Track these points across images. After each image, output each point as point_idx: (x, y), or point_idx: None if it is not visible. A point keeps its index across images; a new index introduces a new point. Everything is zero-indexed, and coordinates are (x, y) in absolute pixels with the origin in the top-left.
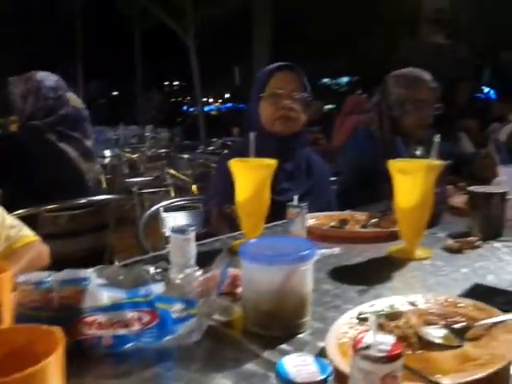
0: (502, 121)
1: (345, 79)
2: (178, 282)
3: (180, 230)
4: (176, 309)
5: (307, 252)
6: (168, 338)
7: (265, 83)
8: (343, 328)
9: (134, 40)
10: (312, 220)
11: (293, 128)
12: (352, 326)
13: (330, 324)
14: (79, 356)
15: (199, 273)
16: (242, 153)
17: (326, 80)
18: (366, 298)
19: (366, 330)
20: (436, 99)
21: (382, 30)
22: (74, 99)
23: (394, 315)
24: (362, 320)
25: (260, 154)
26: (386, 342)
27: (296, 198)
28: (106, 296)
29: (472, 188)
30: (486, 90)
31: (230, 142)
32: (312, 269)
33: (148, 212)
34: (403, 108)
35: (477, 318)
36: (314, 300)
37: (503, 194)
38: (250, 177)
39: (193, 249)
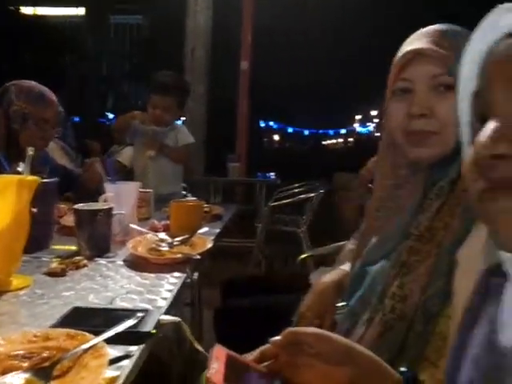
0: (120, 143)
1: None
2: None
3: None
4: None
5: None
6: None
7: None
8: None
9: None
10: None
11: None
12: None
13: None
14: None
15: None
16: None
17: None
18: None
19: None
20: (59, 123)
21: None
22: None
23: None
24: None
25: None
26: None
27: None
28: None
29: (77, 206)
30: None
31: None
32: None
33: None
34: (25, 123)
35: (69, 349)
36: None
37: (109, 210)
38: None
39: None
